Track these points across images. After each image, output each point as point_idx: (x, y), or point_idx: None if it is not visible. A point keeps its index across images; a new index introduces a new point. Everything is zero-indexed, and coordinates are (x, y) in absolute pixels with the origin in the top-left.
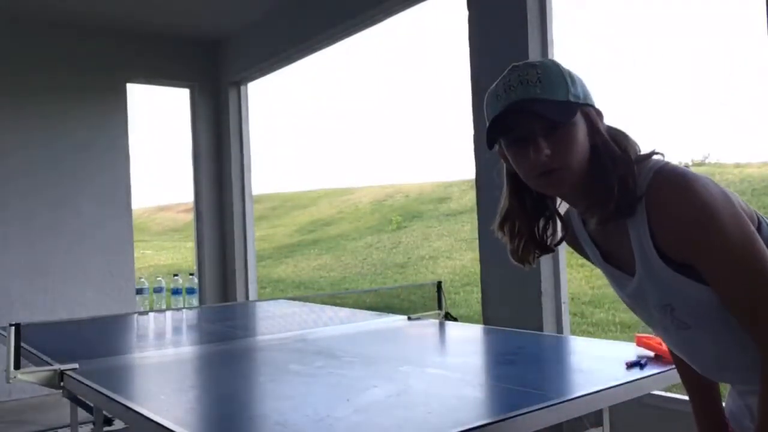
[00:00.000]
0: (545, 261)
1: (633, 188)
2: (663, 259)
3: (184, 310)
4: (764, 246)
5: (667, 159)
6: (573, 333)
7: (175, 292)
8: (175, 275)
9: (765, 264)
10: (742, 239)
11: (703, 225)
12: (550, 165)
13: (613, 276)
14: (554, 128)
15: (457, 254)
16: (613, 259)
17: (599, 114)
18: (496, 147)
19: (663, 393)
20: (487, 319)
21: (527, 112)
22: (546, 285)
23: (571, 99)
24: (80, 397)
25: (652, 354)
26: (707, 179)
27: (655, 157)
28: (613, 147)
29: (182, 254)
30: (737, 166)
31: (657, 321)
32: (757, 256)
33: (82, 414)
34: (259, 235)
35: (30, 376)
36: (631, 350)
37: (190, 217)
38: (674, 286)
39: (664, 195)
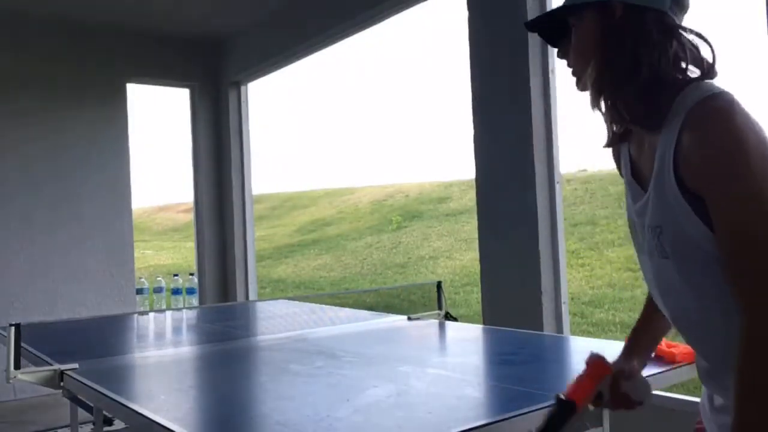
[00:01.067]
0: (545, 261)
1: (656, 101)
2: (678, 181)
3: (184, 310)
4: None
5: (727, 91)
6: (573, 333)
7: (176, 291)
8: (175, 275)
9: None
10: (762, 180)
11: (727, 154)
12: (573, 71)
13: (631, 189)
14: (568, 34)
15: (457, 254)
16: (639, 175)
17: (638, 9)
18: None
19: (663, 393)
20: (487, 319)
21: (547, 19)
22: (546, 285)
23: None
24: (80, 397)
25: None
26: (752, 119)
27: (706, 85)
28: (634, 49)
29: (182, 254)
30: None
31: (645, 245)
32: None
33: (82, 414)
34: (259, 235)
35: (30, 376)
36: None
37: (190, 217)
38: (674, 209)
39: (700, 119)
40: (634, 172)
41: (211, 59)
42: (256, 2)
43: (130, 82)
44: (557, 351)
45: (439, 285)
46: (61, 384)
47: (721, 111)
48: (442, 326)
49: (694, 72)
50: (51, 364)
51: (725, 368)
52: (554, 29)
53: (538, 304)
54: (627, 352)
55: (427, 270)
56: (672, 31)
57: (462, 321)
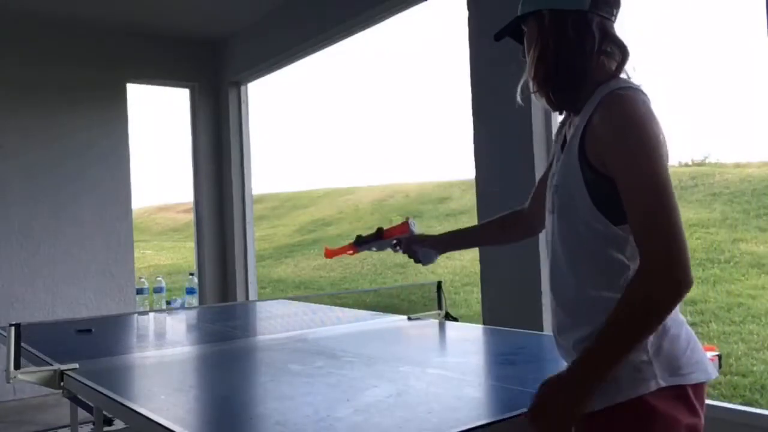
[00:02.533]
0: (545, 260)
1: (574, 91)
2: (580, 151)
3: (184, 310)
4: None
5: (635, 89)
6: None
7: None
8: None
9: (668, 181)
10: (655, 155)
11: (627, 134)
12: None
13: (557, 158)
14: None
15: (457, 254)
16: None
17: (559, 13)
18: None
19: None
20: (487, 319)
21: (512, 27)
22: (546, 285)
23: (531, 8)
24: (80, 397)
25: None
26: (654, 115)
27: (625, 81)
28: (555, 49)
29: (182, 254)
30: (737, 166)
31: (548, 202)
32: (662, 172)
33: (82, 414)
34: (259, 235)
35: (30, 376)
36: None
37: (190, 217)
38: (571, 172)
39: (609, 103)
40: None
41: (211, 59)
42: (256, 2)
43: (130, 82)
44: (557, 351)
45: (439, 285)
46: (61, 384)
47: (628, 98)
48: (442, 326)
49: (612, 64)
50: (51, 364)
51: (568, 326)
52: (519, 34)
53: (538, 304)
54: (445, 234)
55: (427, 270)
56: (587, 30)
57: (462, 321)
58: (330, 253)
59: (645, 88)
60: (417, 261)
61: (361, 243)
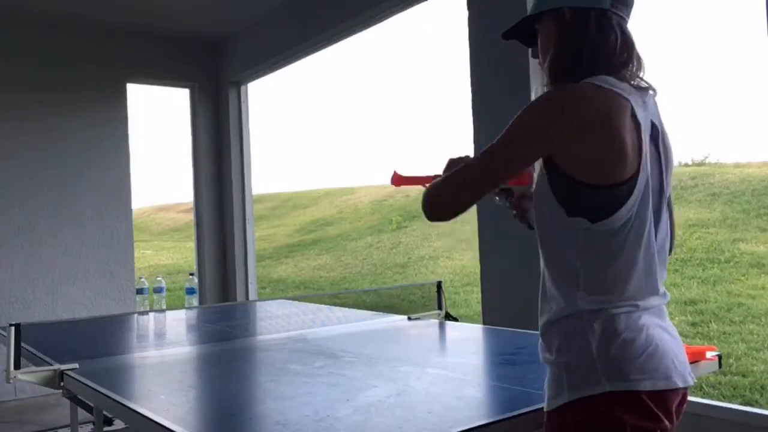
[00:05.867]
0: None
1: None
2: None
3: (184, 310)
4: (517, 160)
5: (598, 80)
6: None
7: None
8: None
9: (498, 158)
10: (510, 137)
11: (526, 108)
12: (541, 66)
13: None
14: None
15: (457, 254)
16: None
17: (583, 13)
18: None
19: None
20: (487, 319)
21: (521, 26)
22: None
23: (548, 6)
24: (80, 397)
25: None
26: (565, 107)
27: (605, 78)
28: (574, 46)
29: (182, 254)
30: (737, 166)
31: None
32: (499, 150)
33: (82, 414)
34: (259, 235)
35: (30, 376)
36: None
37: (190, 217)
38: (540, 171)
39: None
40: None
41: (211, 59)
42: (256, 2)
43: (130, 82)
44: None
45: (439, 285)
46: (61, 384)
47: (551, 92)
48: (442, 326)
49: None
50: (51, 364)
51: (542, 304)
52: (527, 34)
53: (538, 304)
54: None
55: (427, 270)
56: (609, 28)
57: (462, 321)
58: (398, 180)
59: (622, 88)
60: (528, 226)
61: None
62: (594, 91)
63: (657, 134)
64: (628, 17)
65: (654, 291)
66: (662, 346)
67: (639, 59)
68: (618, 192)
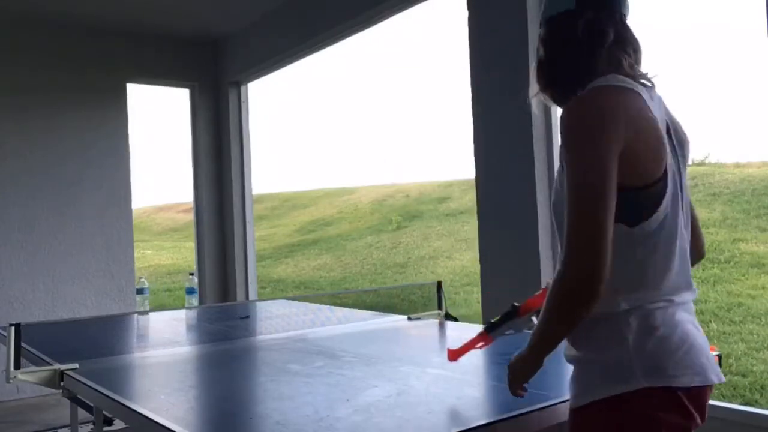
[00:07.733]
0: (545, 260)
1: (573, 88)
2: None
3: (184, 310)
4: (609, 174)
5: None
6: None
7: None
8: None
9: (595, 186)
10: (587, 159)
11: (566, 135)
12: None
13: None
14: None
15: (457, 254)
16: None
17: (570, 14)
18: None
19: None
20: (487, 319)
21: None
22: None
23: (550, 14)
24: (80, 397)
25: None
26: (608, 110)
27: (614, 78)
28: (562, 49)
29: (182, 254)
30: (737, 166)
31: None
32: (589, 177)
33: (82, 414)
34: (259, 235)
35: (30, 376)
36: None
37: (190, 217)
38: (559, 179)
39: (568, 105)
40: None
41: (211, 59)
42: (256, 2)
43: (130, 82)
44: (557, 351)
45: (439, 285)
46: (61, 384)
47: (584, 99)
48: (442, 326)
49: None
50: (51, 364)
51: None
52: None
53: None
54: None
55: (427, 270)
56: (600, 32)
57: (462, 321)
58: (454, 355)
59: (634, 84)
60: None
61: (493, 328)
62: (616, 91)
63: (668, 128)
64: (624, 16)
65: (687, 285)
66: (696, 343)
67: (637, 53)
68: (654, 192)
